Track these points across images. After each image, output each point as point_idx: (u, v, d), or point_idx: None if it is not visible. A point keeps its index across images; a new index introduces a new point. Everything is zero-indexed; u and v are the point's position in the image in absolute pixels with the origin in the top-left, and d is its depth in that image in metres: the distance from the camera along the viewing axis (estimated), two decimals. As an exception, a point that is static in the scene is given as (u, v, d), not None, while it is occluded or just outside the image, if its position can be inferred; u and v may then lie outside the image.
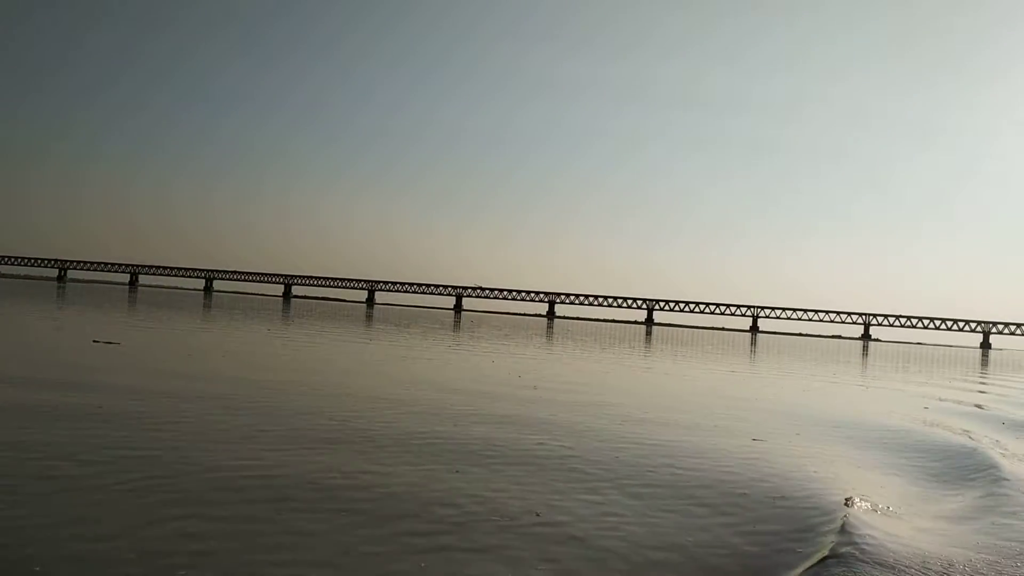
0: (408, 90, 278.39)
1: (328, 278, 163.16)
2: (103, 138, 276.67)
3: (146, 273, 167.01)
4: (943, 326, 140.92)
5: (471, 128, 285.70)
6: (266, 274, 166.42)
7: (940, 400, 15.52)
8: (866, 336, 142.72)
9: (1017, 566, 4.13)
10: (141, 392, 8.49)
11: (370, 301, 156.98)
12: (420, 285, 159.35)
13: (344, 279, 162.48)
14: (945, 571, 3.91)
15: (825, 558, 4.00)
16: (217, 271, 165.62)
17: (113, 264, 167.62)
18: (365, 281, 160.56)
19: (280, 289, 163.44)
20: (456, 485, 5.16)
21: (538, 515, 4.53)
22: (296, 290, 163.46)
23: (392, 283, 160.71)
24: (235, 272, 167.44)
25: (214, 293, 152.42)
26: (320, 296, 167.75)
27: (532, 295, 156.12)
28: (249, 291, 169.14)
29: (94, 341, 15.62)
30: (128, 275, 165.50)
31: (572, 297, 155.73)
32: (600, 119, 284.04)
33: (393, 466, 5.62)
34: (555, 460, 6.25)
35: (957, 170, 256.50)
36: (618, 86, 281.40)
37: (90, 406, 7.28)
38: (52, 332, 18.48)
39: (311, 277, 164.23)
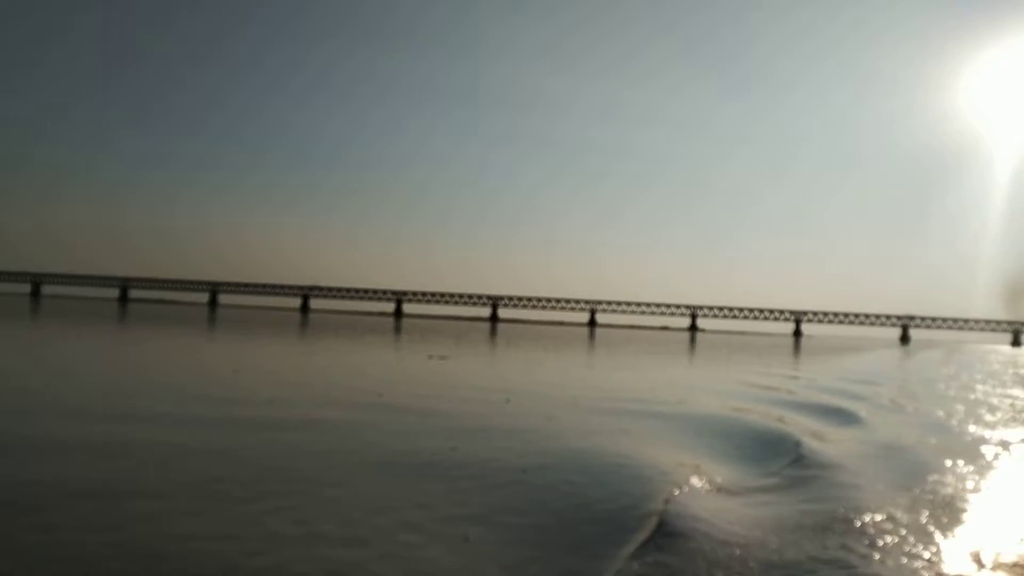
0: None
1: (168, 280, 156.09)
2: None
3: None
4: (761, 316, 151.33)
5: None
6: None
7: (759, 386, 16.87)
8: (693, 327, 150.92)
9: (815, 531, 4.78)
10: None
11: (213, 303, 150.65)
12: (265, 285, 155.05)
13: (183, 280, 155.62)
14: (754, 539, 4.48)
15: (651, 535, 4.48)
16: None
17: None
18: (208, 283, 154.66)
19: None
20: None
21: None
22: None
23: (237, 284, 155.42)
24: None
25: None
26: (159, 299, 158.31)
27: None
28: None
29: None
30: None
31: (419, 295, 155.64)
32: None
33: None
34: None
35: (771, 170, 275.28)
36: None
37: None
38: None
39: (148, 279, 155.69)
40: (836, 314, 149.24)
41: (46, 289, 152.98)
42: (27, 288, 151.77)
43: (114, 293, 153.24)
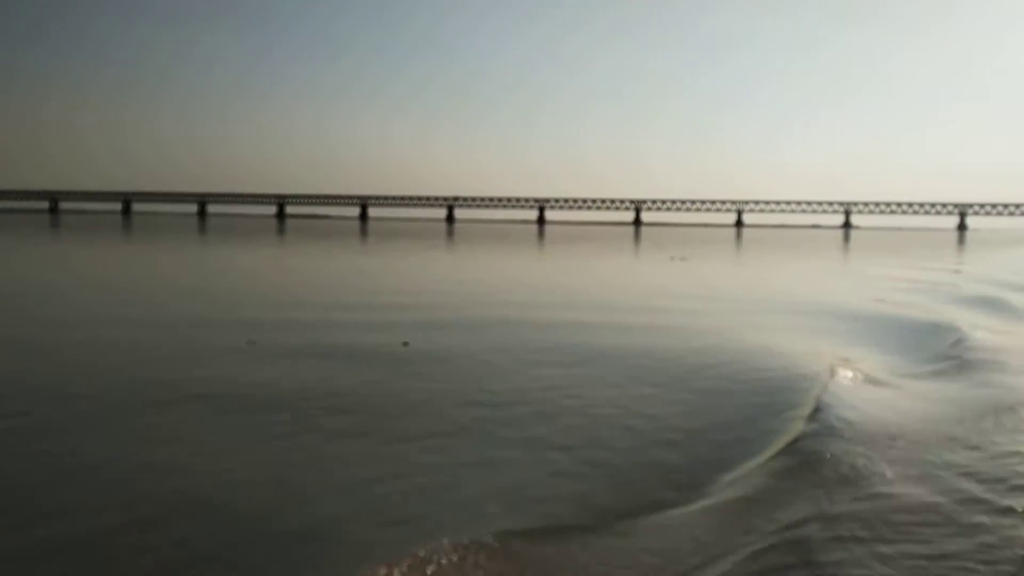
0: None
1: (321, 196, 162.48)
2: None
3: (140, 200, 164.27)
4: (920, 210, 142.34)
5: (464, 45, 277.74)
6: (259, 195, 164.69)
7: (917, 281, 16.39)
8: (847, 224, 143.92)
9: (977, 415, 4.86)
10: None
11: (363, 216, 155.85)
12: (412, 198, 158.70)
13: (337, 196, 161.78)
14: (910, 423, 4.67)
15: (814, 411, 4.82)
16: (211, 194, 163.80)
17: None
18: (358, 197, 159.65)
19: (272, 210, 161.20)
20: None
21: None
22: (288, 209, 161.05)
23: (385, 197, 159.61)
24: (228, 194, 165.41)
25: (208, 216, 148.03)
26: (311, 214, 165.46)
27: (522, 201, 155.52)
28: (242, 213, 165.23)
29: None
30: (120, 203, 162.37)
31: (561, 202, 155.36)
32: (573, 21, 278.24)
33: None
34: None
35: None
36: None
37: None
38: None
39: (304, 196, 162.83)
40: (1005, 206, 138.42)
41: (211, 208, 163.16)
42: (192, 208, 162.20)
43: (271, 210, 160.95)
